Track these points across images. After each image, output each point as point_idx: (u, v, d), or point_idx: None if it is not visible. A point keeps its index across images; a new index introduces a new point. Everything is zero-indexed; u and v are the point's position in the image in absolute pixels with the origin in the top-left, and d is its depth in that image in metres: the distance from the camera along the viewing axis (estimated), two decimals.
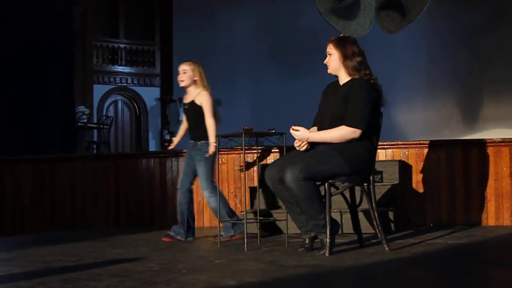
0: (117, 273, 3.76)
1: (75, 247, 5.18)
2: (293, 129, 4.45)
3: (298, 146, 4.45)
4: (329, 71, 4.61)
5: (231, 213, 5.49)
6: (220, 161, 6.84)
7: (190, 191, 5.54)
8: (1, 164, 7.74)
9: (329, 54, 4.58)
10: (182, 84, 5.53)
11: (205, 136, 5.42)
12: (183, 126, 5.78)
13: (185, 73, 5.51)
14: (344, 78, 4.54)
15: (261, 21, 13.41)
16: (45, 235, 6.47)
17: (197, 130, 5.47)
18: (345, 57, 4.50)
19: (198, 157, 5.41)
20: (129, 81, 14.42)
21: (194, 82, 5.53)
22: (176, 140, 5.86)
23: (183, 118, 5.75)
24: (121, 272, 3.81)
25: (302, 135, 4.42)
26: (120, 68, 14.29)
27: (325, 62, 4.60)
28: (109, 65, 14.18)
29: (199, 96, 5.49)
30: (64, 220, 7.31)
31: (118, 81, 14.24)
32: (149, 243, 5.48)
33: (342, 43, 4.56)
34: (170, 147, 5.97)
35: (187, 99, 5.56)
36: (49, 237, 6.09)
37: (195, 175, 5.50)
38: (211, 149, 5.32)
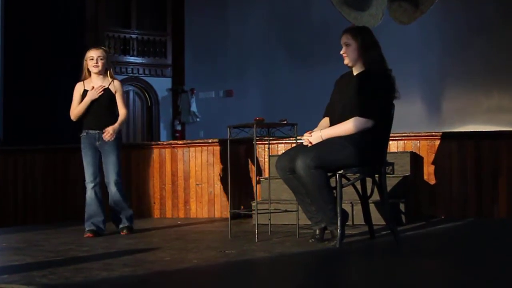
0: (129, 263, 3.78)
1: (87, 237, 5.20)
2: (306, 140, 4.42)
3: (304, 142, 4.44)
4: (345, 62, 4.52)
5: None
6: (231, 152, 6.84)
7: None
8: (13, 154, 7.78)
9: (346, 45, 4.49)
10: (96, 70, 5.40)
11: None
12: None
13: (102, 59, 5.42)
14: (358, 69, 4.50)
15: (273, 12, 13.38)
16: (58, 225, 6.51)
17: (110, 118, 5.42)
18: (364, 48, 4.43)
19: (111, 146, 5.39)
20: (141, 71, 14.45)
21: (105, 69, 5.48)
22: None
23: (76, 104, 5.44)
24: (133, 262, 3.83)
25: (315, 138, 4.38)
26: (131, 59, 14.31)
27: (341, 53, 4.51)
28: (120, 56, 14.20)
29: (115, 83, 5.47)
30: (76, 210, 7.33)
31: (130, 72, 14.27)
32: (160, 233, 5.50)
33: (361, 34, 4.49)
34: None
35: (95, 86, 5.42)
36: (61, 227, 6.12)
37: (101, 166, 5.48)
38: (110, 133, 5.32)
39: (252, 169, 6.76)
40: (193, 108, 14.31)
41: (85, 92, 5.42)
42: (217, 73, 13.88)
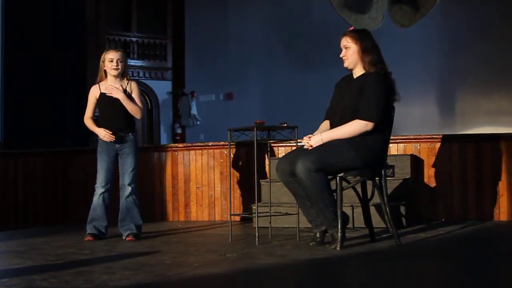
0: (129, 266, 3.77)
1: (88, 241, 5.19)
2: (307, 143, 4.41)
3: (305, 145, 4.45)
4: (345, 65, 4.53)
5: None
6: (232, 155, 6.86)
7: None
8: (14, 157, 7.78)
9: (346, 48, 4.49)
10: (116, 73, 5.27)
11: (132, 128, 5.36)
12: (90, 116, 5.37)
13: (121, 62, 5.30)
14: (358, 71, 4.50)
15: (273, 14, 13.39)
16: (58, 228, 6.50)
17: (128, 121, 5.31)
18: (364, 51, 4.44)
19: (130, 148, 5.29)
20: (141, 74, 14.45)
21: (123, 72, 5.37)
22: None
23: (91, 108, 5.36)
24: (133, 265, 3.82)
25: (315, 141, 4.38)
26: (132, 62, 14.30)
27: (341, 55, 4.53)
28: None
29: (131, 85, 5.37)
30: (77, 213, 7.33)
31: (130, 75, 14.23)
32: (161, 236, 5.50)
33: (361, 36, 4.49)
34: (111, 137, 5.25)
35: (108, 88, 5.29)
36: (62, 230, 6.12)
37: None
38: (120, 89, 5.24)
39: (253, 172, 6.75)
40: (194, 111, 14.32)
41: (101, 95, 5.30)
42: (217, 76, 13.89)
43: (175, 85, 14.68)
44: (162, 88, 14.63)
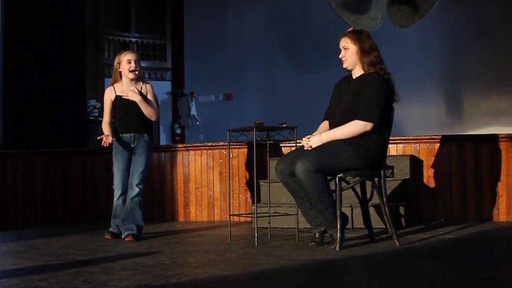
0: (129, 266, 3.78)
1: (87, 241, 5.20)
2: (306, 143, 4.41)
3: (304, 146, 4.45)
4: (344, 65, 4.55)
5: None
6: (231, 155, 6.86)
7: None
8: (13, 157, 7.78)
9: (345, 49, 4.51)
10: (133, 76, 5.25)
11: (147, 128, 5.35)
12: (108, 121, 5.34)
13: (138, 63, 5.30)
14: (358, 72, 4.51)
15: (272, 15, 13.38)
16: (57, 228, 6.50)
17: (143, 121, 5.30)
18: (363, 52, 4.45)
19: (144, 148, 5.28)
20: None
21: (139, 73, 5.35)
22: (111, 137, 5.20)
23: (108, 112, 5.35)
24: (132, 265, 3.83)
25: (315, 142, 4.38)
26: None
27: (340, 56, 4.54)
28: None
29: (147, 87, 5.34)
30: (76, 214, 7.34)
31: None
32: (160, 237, 5.50)
33: (360, 37, 4.50)
34: (108, 142, 5.16)
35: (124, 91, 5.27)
36: (61, 231, 6.12)
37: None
38: (136, 91, 5.21)
39: (252, 172, 6.75)
40: (193, 111, 14.30)
41: (116, 98, 5.28)
42: (216, 77, 13.88)
43: (174, 86, 14.66)
44: (161, 89, 14.58)
